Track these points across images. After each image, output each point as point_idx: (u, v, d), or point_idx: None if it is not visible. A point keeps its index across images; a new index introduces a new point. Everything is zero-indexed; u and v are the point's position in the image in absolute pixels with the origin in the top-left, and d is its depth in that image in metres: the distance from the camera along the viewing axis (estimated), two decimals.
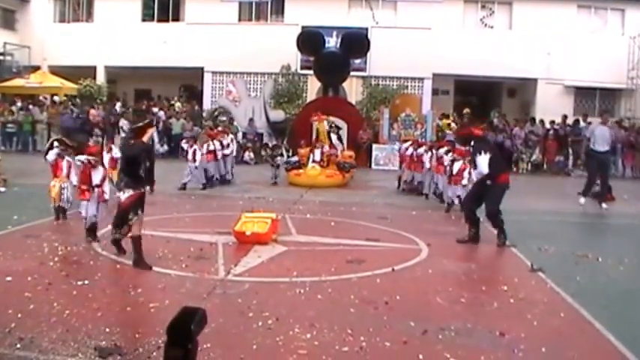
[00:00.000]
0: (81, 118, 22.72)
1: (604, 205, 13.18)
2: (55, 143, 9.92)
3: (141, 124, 7.88)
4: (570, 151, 21.93)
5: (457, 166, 11.55)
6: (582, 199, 13.17)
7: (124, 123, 21.04)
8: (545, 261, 7.99)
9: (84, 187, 8.65)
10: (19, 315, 5.32)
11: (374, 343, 5.04)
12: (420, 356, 4.80)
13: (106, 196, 8.71)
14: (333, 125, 17.54)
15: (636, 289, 6.92)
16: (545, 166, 21.93)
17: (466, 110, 23.48)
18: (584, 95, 26.46)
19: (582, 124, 22.34)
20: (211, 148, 14.71)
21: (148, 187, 7.52)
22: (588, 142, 13.83)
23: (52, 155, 9.70)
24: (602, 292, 7.03)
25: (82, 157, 8.73)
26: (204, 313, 1.90)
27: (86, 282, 6.45)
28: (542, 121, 22.88)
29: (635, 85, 25.18)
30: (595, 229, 11.91)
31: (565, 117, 23.03)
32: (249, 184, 15.47)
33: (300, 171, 15.66)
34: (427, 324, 5.48)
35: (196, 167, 14.11)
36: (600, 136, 13.36)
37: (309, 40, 19.37)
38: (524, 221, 10.49)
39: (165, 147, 19.95)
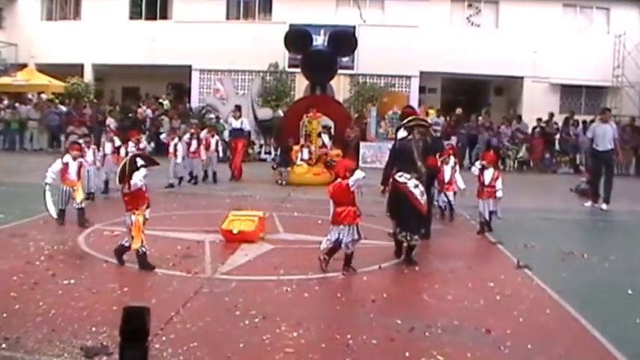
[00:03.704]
0: (68, 116, 22.72)
1: (604, 206, 13.00)
2: (140, 161, 7.12)
3: (413, 123, 7.95)
4: (558, 148, 22.08)
5: (488, 175, 9.91)
6: (604, 205, 13.02)
7: (110, 121, 20.95)
8: (532, 258, 8.03)
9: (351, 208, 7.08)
10: (5, 315, 5.29)
11: (361, 341, 5.04)
12: (407, 354, 4.82)
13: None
14: (325, 126, 17.56)
15: (621, 286, 6.96)
16: (531, 163, 22.06)
17: (458, 110, 23.58)
18: (570, 93, 26.67)
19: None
20: (117, 144, 13.00)
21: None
22: (591, 142, 13.50)
23: (141, 179, 7.04)
24: (587, 288, 7.09)
25: (358, 176, 7.06)
26: (149, 310, 1.90)
27: (72, 281, 6.41)
28: (524, 124, 22.98)
29: (620, 82, 25.42)
30: (581, 227, 11.97)
31: (551, 115, 23.19)
32: (237, 182, 15.45)
33: (289, 169, 15.67)
34: (414, 321, 5.50)
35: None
36: (601, 134, 13.13)
37: (297, 38, 19.30)
38: (510, 218, 10.54)
39: (153, 145, 19.86)
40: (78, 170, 9.58)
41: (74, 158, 9.61)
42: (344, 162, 8.06)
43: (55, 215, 9.22)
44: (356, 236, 7.16)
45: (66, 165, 9.46)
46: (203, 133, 15.41)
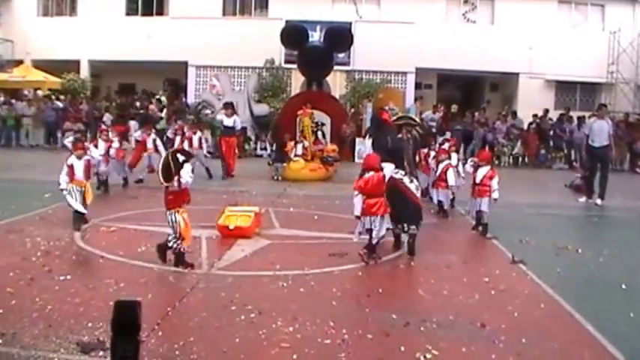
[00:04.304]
0: (65, 112, 22.66)
1: (598, 202, 13.00)
2: (181, 157, 7.01)
3: (402, 122, 8.74)
4: (552, 144, 22.15)
5: (481, 173, 9.51)
6: (599, 201, 13.00)
7: (107, 117, 20.92)
8: (526, 253, 8.08)
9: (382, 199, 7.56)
10: (1, 310, 5.31)
11: (356, 336, 5.08)
12: (402, 348, 4.85)
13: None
14: (318, 123, 17.58)
15: (615, 280, 7.00)
16: (526, 159, 22.12)
17: (454, 107, 23.64)
18: (565, 89, 26.78)
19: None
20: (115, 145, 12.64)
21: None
22: (587, 138, 13.54)
23: (191, 176, 7.11)
24: (581, 283, 7.15)
25: (391, 168, 7.81)
26: (140, 304, 1.92)
27: (68, 277, 6.43)
28: (520, 120, 23.03)
29: (614, 79, 25.50)
30: (575, 222, 12.03)
31: (546, 111, 23.26)
32: (233, 178, 15.44)
33: (284, 165, 15.68)
34: (409, 316, 5.53)
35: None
36: (598, 130, 13.16)
37: (293, 34, 19.32)
38: (505, 214, 10.58)
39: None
40: (86, 169, 8.99)
41: (79, 157, 9.01)
42: (374, 156, 8.07)
43: (84, 210, 8.77)
44: (389, 225, 7.59)
45: (71, 167, 8.85)
46: (185, 130, 15.07)
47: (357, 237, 7.70)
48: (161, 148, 13.82)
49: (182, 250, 6.99)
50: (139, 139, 14.37)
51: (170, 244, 7.00)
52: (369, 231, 7.46)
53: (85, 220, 8.99)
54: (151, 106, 22.13)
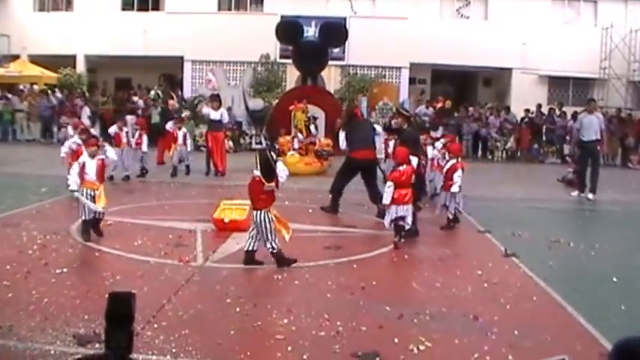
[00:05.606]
0: (61, 107, 22.58)
1: (590, 196, 13.06)
2: (274, 155, 7.20)
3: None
4: (544, 138, 22.24)
5: (447, 166, 9.56)
6: (590, 195, 13.06)
7: (84, 111, 20.78)
8: (519, 246, 8.14)
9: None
10: None
11: (350, 328, 5.12)
12: (396, 340, 4.89)
13: None
14: (310, 117, 17.60)
15: (606, 273, 7.07)
16: (519, 153, 22.21)
17: (447, 102, 23.71)
18: (558, 84, 26.83)
19: (557, 112, 22.71)
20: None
21: None
22: (578, 132, 13.67)
23: (287, 174, 7.14)
24: (573, 276, 7.22)
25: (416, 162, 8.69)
26: (134, 295, 1.98)
27: (65, 270, 6.46)
28: (513, 115, 23.12)
29: (607, 74, 25.58)
30: (567, 216, 12.10)
31: (539, 106, 23.33)
32: (229, 172, 15.44)
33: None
34: (403, 308, 5.58)
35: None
36: (588, 125, 13.26)
37: (288, 29, 19.31)
38: (498, 207, 10.65)
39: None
40: (99, 170, 8.08)
41: (92, 156, 8.07)
42: (404, 150, 8.39)
43: (100, 209, 7.91)
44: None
45: (83, 166, 7.92)
46: (169, 125, 14.66)
47: (389, 225, 8.13)
48: (132, 143, 13.51)
49: (277, 248, 6.88)
50: (113, 134, 13.54)
51: (250, 249, 6.90)
52: (402, 218, 7.99)
53: (99, 231, 8.13)
54: (171, 102, 21.98)
